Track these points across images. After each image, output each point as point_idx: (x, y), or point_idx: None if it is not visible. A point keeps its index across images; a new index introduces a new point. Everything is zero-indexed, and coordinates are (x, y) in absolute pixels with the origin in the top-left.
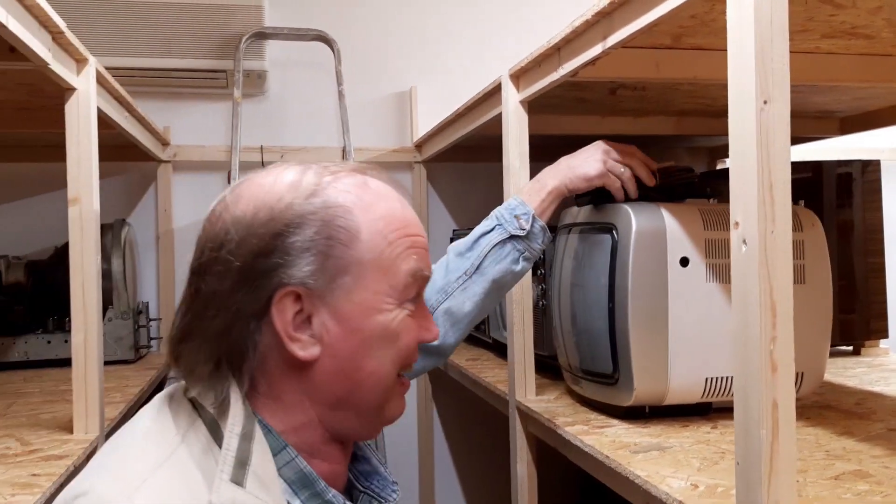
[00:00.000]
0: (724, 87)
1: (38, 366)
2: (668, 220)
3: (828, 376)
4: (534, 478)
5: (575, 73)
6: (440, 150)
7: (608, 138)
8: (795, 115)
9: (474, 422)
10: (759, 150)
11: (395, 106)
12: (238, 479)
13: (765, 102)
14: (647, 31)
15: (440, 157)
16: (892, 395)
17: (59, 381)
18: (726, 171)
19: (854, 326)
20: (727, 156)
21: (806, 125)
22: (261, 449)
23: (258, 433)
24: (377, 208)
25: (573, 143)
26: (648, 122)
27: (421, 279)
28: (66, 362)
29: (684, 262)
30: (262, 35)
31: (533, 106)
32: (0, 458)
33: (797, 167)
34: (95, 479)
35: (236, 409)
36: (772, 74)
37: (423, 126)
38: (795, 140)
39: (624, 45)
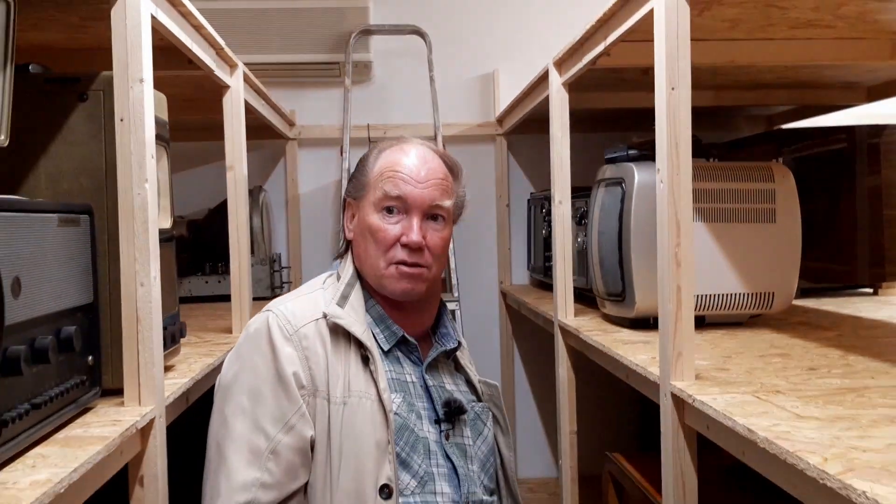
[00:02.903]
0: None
1: (198, 300)
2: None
3: (830, 307)
4: (572, 381)
5: (594, 62)
6: (515, 124)
7: (645, 112)
8: (820, 87)
9: (539, 342)
10: (668, 119)
11: (480, 87)
12: (341, 304)
13: (672, 89)
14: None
15: (517, 129)
16: (867, 317)
17: (214, 309)
18: (735, 140)
19: (878, 270)
20: (784, 122)
21: (832, 95)
22: (357, 293)
23: (357, 286)
24: (386, 157)
25: (615, 116)
26: (693, 94)
27: (391, 198)
28: (217, 298)
29: None
30: (367, 32)
31: (577, 86)
32: (190, 345)
33: (831, 131)
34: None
35: (348, 271)
36: (677, 69)
37: (505, 104)
38: (825, 108)
39: (622, 40)
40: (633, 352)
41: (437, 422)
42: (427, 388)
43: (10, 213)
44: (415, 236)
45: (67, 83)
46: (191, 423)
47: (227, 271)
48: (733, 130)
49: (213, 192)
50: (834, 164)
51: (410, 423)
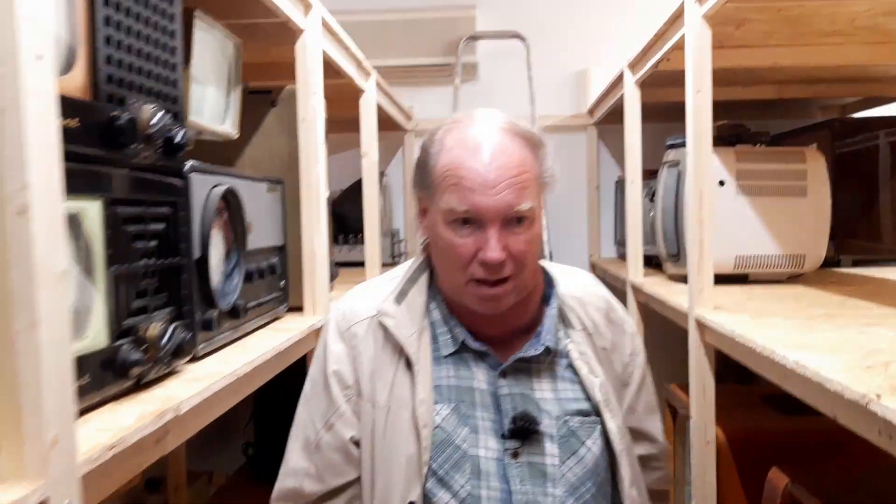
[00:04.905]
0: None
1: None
2: (713, 158)
3: (874, 275)
4: (641, 328)
5: (656, 66)
6: (603, 115)
7: (720, 103)
8: (873, 81)
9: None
10: (694, 114)
11: (573, 82)
12: (398, 301)
13: (697, 91)
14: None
15: (605, 120)
16: (891, 279)
17: (349, 274)
18: (796, 129)
19: None
20: (856, 111)
21: (889, 88)
22: (418, 289)
23: (422, 280)
24: (449, 154)
25: (682, 108)
26: (757, 89)
27: (459, 212)
28: (348, 264)
29: (721, 183)
30: (474, 37)
31: (649, 83)
32: (336, 289)
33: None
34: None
35: (416, 265)
36: (701, 77)
37: (595, 97)
38: (888, 99)
39: (676, 48)
40: (678, 296)
41: (504, 437)
42: (497, 398)
43: (246, 181)
44: (492, 253)
45: (263, 94)
46: None
47: (357, 241)
48: (806, 118)
49: (343, 175)
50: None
51: (456, 439)
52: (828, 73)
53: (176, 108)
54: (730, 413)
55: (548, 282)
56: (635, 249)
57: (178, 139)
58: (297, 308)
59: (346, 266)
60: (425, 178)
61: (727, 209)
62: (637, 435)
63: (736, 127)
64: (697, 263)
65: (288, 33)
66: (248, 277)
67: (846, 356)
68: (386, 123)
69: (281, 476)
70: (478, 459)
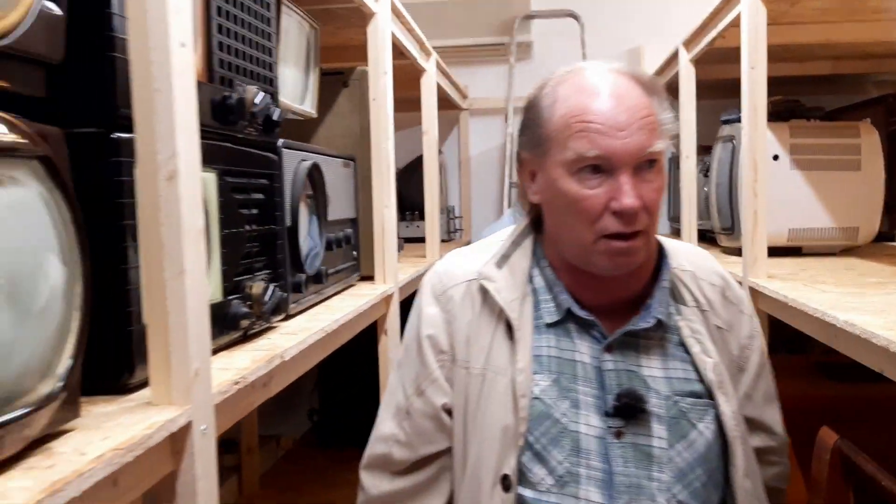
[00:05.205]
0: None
1: None
2: (767, 133)
3: None
4: None
5: (711, 43)
6: None
7: (775, 79)
8: None
9: None
10: (749, 90)
11: (627, 60)
12: (500, 264)
13: (752, 68)
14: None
15: None
16: None
17: (410, 248)
18: (853, 104)
19: None
20: None
21: None
22: (522, 253)
23: (526, 243)
24: (567, 103)
25: (737, 84)
26: (811, 65)
27: (588, 159)
28: (406, 240)
29: (775, 157)
30: (529, 16)
31: (703, 60)
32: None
33: None
34: None
35: (520, 229)
36: (756, 52)
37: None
38: None
39: (732, 25)
40: (732, 267)
41: (608, 415)
42: (601, 373)
43: (325, 157)
44: (629, 200)
45: (336, 75)
46: None
47: (414, 218)
48: (861, 94)
49: (399, 154)
50: None
51: (555, 412)
52: (882, 48)
53: (272, 88)
54: (781, 380)
55: (658, 252)
56: (689, 224)
57: (275, 117)
58: (368, 277)
59: (405, 242)
60: (537, 135)
61: (781, 183)
62: (754, 425)
63: (790, 102)
64: (751, 233)
65: (360, 17)
66: (328, 246)
67: (894, 317)
68: (442, 102)
69: (371, 442)
70: (578, 436)
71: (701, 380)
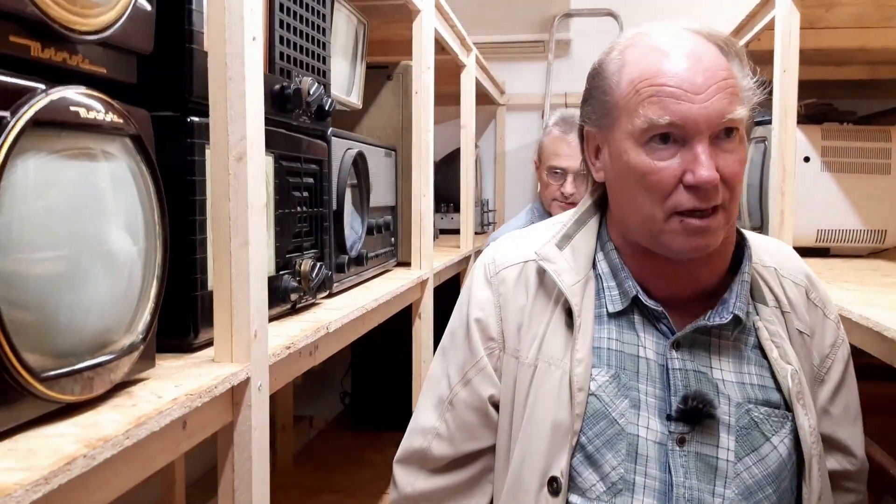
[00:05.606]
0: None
1: None
2: (798, 135)
3: None
4: None
5: (747, 45)
6: None
7: (811, 83)
8: None
9: None
10: (781, 93)
11: None
12: (561, 245)
13: (784, 71)
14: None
15: None
16: None
17: (444, 239)
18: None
19: None
20: None
21: None
22: (587, 232)
23: (591, 224)
24: (637, 65)
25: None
26: (847, 70)
27: (660, 127)
28: (441, 231)
29: (806, 159)
30: (568, 15)
31: None
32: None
33: None
34: None
35: (584, 207)
36: (788, 55)
37: None
38: None
39: (767, 29)
40: None
41: (671, 418)
42: (667, 372)
43: (369, 147)
44: (705, 172)
45: (380, 68)
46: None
47: (449, 210)
48: None
49: (438, 147)
50: None
51: (612, 412)
52: None
53: (325, 80)
54: None
55: (738, 242)
56: None
57: (327, 107)
58: (404, 263)
59: (441, 234)
60: (602, 105)
61: (811, 184)
62: (830, 444)
63: (823, 105)
64: (778, 230)
65: (406, 13)
66: (369, 231)
67: None
68: (480, 98)
69: (408, 434)
70: (636, 440)
71: (778, 388)
